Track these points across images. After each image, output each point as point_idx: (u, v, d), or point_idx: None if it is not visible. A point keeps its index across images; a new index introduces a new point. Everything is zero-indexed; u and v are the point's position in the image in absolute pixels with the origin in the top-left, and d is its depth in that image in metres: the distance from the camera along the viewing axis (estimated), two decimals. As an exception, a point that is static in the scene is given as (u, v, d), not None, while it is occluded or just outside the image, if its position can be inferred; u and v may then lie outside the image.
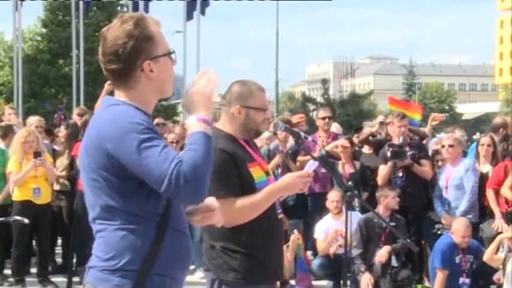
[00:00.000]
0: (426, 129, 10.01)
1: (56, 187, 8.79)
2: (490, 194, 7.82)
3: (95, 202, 2.65)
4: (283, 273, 3.92)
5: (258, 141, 9.28)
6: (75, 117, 9.92)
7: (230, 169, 2.94)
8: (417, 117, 12.36)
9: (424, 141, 9.17)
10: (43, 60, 33.16)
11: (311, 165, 3.72)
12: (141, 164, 2.50)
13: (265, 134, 9.46)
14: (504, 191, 7.65)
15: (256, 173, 3.64)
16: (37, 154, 8.03)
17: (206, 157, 2.52)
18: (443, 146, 8.20)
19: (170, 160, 2.48)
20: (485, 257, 7.21)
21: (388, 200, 7.74)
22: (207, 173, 2.53)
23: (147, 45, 2.67)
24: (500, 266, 7.13)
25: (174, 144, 9.17)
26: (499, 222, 7.65)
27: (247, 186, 3.56)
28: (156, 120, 10.20)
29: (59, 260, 9.13)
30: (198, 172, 2.49)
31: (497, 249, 7.23)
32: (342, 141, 8.96)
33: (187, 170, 2.46)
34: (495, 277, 7.26)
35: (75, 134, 8.67)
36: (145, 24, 2.69)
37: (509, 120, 9.30)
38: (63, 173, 8.73)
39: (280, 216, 3.82)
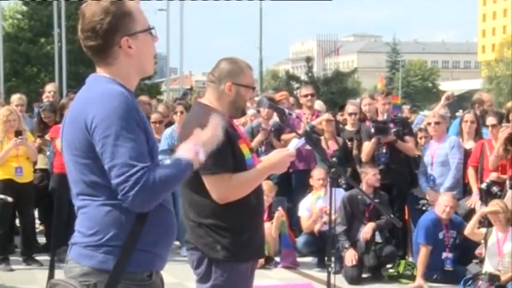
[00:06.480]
0: (437, 107, 9.78)
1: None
2: (470, 172, 7.88)
3: (78, 178, 2.62)
4: (264, 249, 3.92)
5: (243, 118, 9.29)
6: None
7: (225, 146, 2.93)
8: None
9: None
10: (24, 38, 32.78)
11: (298, 143, 3.70)
12: (106, 150, 2.47)
13: (251, 111, 9.45)
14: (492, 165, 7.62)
15: (245, 149, 3.63)
16: (18, 133, 7.95)
17: (174, 182, 2.56)
18: (429, 124, 8.23)
19: (139, 161, 2.46)
20: (467, 232, 7.27)
21: (368, 177, 7.76)
22: (162, 195, 2.55)
23: (124, 21, 2.63)
24: (482, 241, 7.20)
25: (157, 125, 9.09)
26: (474, 199, 7.72)
27: (239, 163, 3.56)
28: (141, 98, 10.11)
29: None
30: (159, 190, 2.50)
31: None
32: (326, 115, 9.05)
33: (152, 181, 2.45)
34: (477, 251, 7.33)
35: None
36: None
37: (485, 97, 9.32)
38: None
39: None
